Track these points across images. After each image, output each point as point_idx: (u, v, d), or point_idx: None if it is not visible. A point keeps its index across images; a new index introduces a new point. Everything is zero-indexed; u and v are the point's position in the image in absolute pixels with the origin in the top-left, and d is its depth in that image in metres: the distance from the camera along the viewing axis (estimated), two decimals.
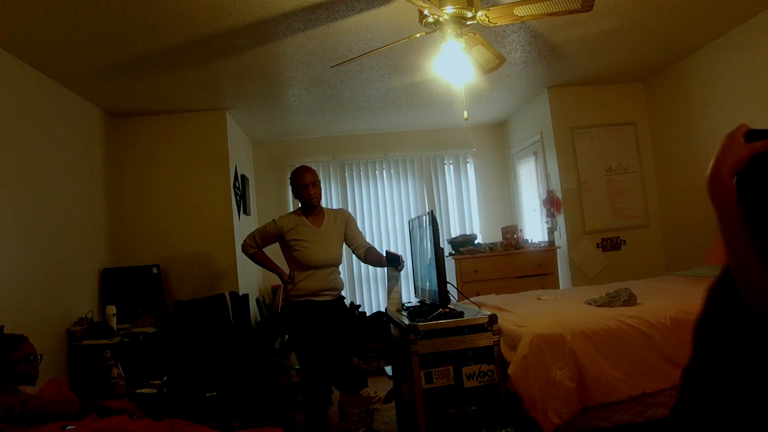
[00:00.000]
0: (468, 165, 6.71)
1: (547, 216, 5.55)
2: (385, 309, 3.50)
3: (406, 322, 2.74)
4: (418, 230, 3.32)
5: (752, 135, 0.93)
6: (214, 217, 5.01)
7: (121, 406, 2.38)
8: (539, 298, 3.46)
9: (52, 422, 2.17)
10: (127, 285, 4.44)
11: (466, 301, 3.30)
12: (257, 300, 5.55)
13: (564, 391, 2.51)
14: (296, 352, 3.32)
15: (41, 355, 2.51)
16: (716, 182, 0.90)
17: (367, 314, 6.02)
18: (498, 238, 5.65)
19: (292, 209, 3.44)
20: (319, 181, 3.32)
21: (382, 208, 6.52)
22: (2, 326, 2.63)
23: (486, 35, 3.70)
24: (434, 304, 2.94)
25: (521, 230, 5.91)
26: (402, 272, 3.30)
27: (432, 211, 3.42)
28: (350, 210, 6.26)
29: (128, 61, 3.71)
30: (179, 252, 4.92)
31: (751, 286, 0.85)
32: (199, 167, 5.03)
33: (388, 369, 3.66)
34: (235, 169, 5.27)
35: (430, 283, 3.00)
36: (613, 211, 5.37)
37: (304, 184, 3.23)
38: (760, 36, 3.99)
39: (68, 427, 2.12)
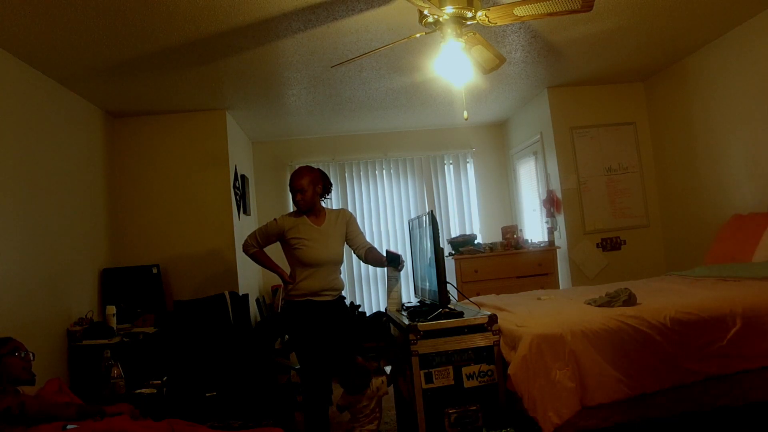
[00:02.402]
0: (468, 165, 6.71)
1: (547, 216, 5.55)
2: (385, 309, 3.50)
3: (406, 322, 2.74)
4: (418, 230, 3.32)
5: None
6: (214, 217, 5.01)
7: (122, 410, 2.38)
8: (539, 298, 3.46)
9: (52, 423, 2.17)
10: (127, 285, 4.44)
11: (466, 301, 3.30)
12: (257, 300, 5.55)
13: (564, 391, 2.51)
14: (296, 352, 3.32)
15: (33, 354, 2.50)
16: None
17: (367, 314, 6.02)
18: (498, 238, 5.65)
19: (292, 209, 3.44)
20: (310, 187, 3.21)
21: (382, 208, 6.52)
22: None
23: (486, 35, 3.70)
24: (434, 304, 2.94)
25: (521, 230, 5.91)
26: (402, 272, 3.29)
27: (432, 211, 3.41)
28: (350, 210, 6.25)
29: (128, 61, 3.71)
30: (179, 252, 4.92)
31: None
32: (199, 167, 5.03)
33: (388, 369, 3.66)
34: (235, 169, 5.27)
35: (430, 283, 3.00)
36: (613, 211, 5.37)
37: (292, 190, 3.24)
38: (760, 36, 3.99)
39: (69, 427, 2.12)
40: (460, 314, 2.79)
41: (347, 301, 3.65)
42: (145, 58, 3.69)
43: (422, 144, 6.62)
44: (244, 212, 5.54)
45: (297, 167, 3.35)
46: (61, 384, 2.62)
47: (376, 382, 3.29)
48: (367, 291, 6.45)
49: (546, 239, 5.45)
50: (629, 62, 4.82)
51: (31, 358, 2.48)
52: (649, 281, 3.84)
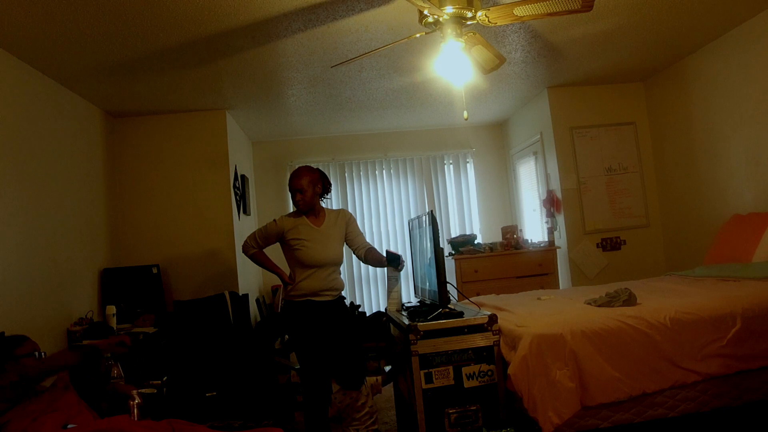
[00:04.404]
0: (468, 165, 6.71)
1: (547, 216, 5.55)
2: (385, 309, 3.50)
3: (406, 322, 2.74)
4: (417, 230, 3.32)
5: None
6: (214, 217, 5.01)
7: (122, 340, 2.46)
8: (539, 298, 3.46)
9: (57, 373, 2.20)
10: (127, 285, 4.44)
11: (466, 301, 3.30)
12: (257, 300, 5.55)
13: (564, 391, 2.51)
14: (296, 352, 3.32)
15: (44, 353, 2.51)
16: None
17: (367, 314, 6.02)
18: (498, 238, 5.65)
19: (291, 209, 3.44)
20: (310, 187, 3.21)
21: (382, 208, 6.52)
22: (2, 332, 2.64)
23: (486, 35, 3.70)
24: (434, 304, 2.94)
25: (521, 230, 5.91)
26: (402, 272, 3.29)
27: (432, 211, 3.41)
28: (350, 210, 6.26)
29: (128, 61, 3.71)
30: (179, 252, 4.92)
31: None
32: (199, 167, 5.03)
33: (388, 369, 3.66)
34: (235, 169, 5.27)
35: (430, 283, 3.00)
36: (613, 211, 5.37)
37: (292, 191, 3.24)
38: (760, 36, 3.99)
39: (68, 426, 2.12)
40: (460, 314, 2.79)
41: (347, 301, 3.64)
42: (145, 58, 3.69)
43: (422, 144, 6.62)
44: (244, 212, 5.54)
45: (297, 167, 3.35)
46: (68, 381, 2.61)
47: (371, 380, 3.30)
48: (367, 291, 6.45)
49: (546, 239, 5.45)
50: (629, 62, 4.82)
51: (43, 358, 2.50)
52: (649, 281, 3.84)
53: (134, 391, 2.50)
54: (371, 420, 3.17)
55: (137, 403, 2.42)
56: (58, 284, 3.76)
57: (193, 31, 3.36)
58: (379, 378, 3.32)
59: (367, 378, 3.24)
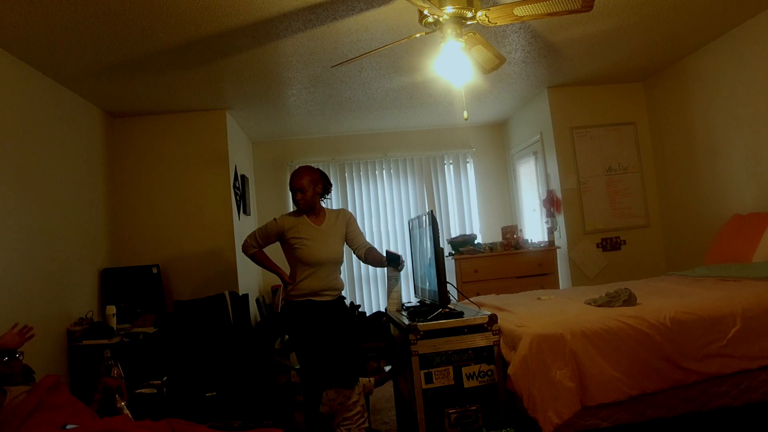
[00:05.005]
0: (468, 165, 6.71)
1: (547, 216, 5.55)
2: (385, 309, 3.50)
3: (406, 322, 2.74)
4: (417, 230, 3.32)
5: None
6: (214, 217, 5.01)
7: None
8: (539, 298, 3.46)
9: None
10: (127, 285, 4.44)
11: (466, 301, 3.30)
12: (257, 300, 5.55)
13: (564, 391, 2.51)
14: (296, 352, 3.32)
15: (21, 353, 2.42)
16: None
17: (367, 314, 6.02)
18: (498, 238, 5.65)
19: (292, 209, 3.44)
20: (310, 186, 3.22)
21: (382, 208, 6.52)
22: None
23: (486, 35, 3.70)
24: (434, 304, 2.94)
25: (521, 230, 5.91)
26: (402, 272, 3.29)
27: (432, 211, 3.41)
28: (350, 210, 6.25)
29: (128, 61, 3.71)
30: (179, 252, 4.92)
31: None
32: (199, 167, 5.03)
33: (388, 369, 3.66)
34: (235, 169, 5.27)
35: (430, 283, 3.00)
36: (613, 211, 5.37)
37: (293, 190, 3.24)
38: (760, 36, 3.99)
39: (68, 426, 2.12)
40: (460, 314, 2.78)
41: (347, 301, 3.64)
42: (145, 58, 3.69)
43: (422, 144, 6.62)
44: (244, 212, 5.54)
45: (297, 167, 3.35)
46: (59, 381, 2.58)
47: (363, 380, 3.30)
48: (367, 291, 6.45)
49: (546, 239, 5.45)
50: (629, 62, 4.82)
51: (15, 359, 2.39)
52: (649, 281, 3.84)
53: (116, 395, 2.46)
54: (362, 419, 3.18)
55: (124, 405, 2.40)
56: (58, 284, 3.76)
57: (193, 31, 3.36)
58: (372, 379, 3.31)
59: (360, 378, 3.24)
